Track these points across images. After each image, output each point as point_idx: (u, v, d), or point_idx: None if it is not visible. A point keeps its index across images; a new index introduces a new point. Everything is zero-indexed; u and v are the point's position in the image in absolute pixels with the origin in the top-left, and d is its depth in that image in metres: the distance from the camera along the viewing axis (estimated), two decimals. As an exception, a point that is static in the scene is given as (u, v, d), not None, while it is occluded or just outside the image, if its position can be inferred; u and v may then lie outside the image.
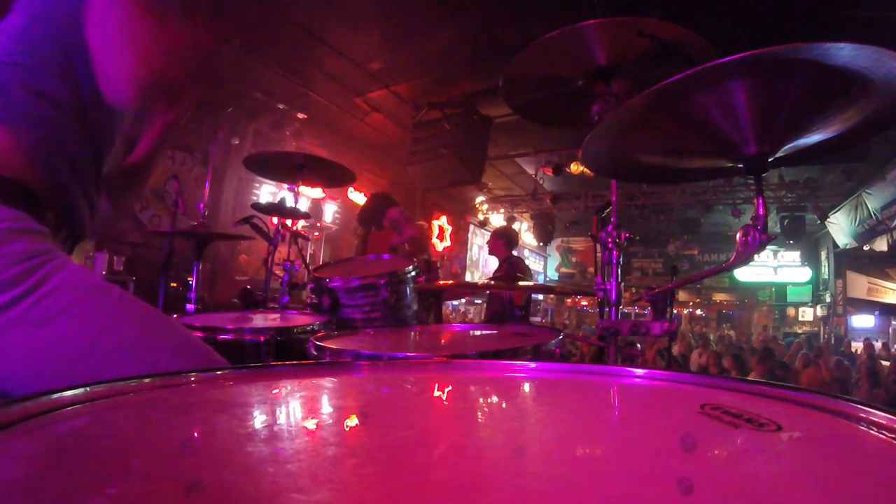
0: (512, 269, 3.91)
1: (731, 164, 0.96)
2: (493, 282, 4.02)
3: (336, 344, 1.09)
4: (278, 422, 0.49)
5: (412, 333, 1.46)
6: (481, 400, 0.62)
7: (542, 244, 13.27)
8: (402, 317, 1.60)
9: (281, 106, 6.65)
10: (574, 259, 15.52)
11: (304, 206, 4.14)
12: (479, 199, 11.23)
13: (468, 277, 10.16)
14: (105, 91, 0.95)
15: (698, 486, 0.32)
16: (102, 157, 1.06)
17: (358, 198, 8.35)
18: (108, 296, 0.90)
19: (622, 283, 1.42)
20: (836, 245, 11.15)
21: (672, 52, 1.28)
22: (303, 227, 4.89)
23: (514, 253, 4.24)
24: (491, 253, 4.04)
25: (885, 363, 7.27)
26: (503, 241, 4.10)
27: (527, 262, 4.48)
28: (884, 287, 12.31)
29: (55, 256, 0.87)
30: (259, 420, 0.48)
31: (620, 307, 1.42)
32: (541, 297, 13.93)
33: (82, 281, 0.89)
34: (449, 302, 8.78)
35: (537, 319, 12.51)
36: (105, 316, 0.86)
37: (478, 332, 1.41)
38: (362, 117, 7.26)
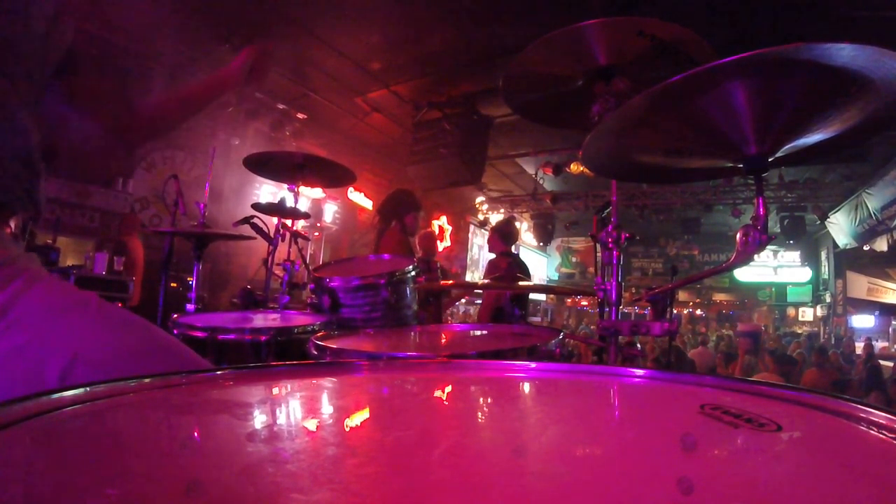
0: (511, 268, 3.90)
1: (731, 164, 0.96)
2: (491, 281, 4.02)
3: (336, 344, 1.09)
4: (278, 422, 0.49)
5: (412, 333, 1.46)
6: (481, 400, 0.62)
7: (542, 244, 13.26)
8: (402, 317, 1.60)
9: (281, 106, 6.65)
10: (574, 259, 15.51)
11: (304, 206, 4.13)
12: (479, 199, 11.23)
13: (468, 277, 10.15)
14: None
15: (698, 486, 0.32)
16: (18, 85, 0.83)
17: (358, 198, 8.37)
18: (83, 314, 0.80)
19: (622, 283, 1.43)
20: (836, 245, 11.14)
21: (672, 52, 1.28)
22: (303, 227, 4.89)
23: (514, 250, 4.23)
24: (491, 250, 4.04)
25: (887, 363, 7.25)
26: (498, 236, 4.11)
27: (527, 261, 4.47)
28: (884, 287, 12.31)
29: (23, 270, 0.77)
30: (259, 420, 0.48)
31: (620, 307, 1.42)
32: (543, 297, 13.94)
33: (55, 301, 0.79)
34: (458, 304, 8.81)
35: (537, 319, 12.50)
36: (78, 341, 0.77)
37: (478, 332, 1.41)
38: (362, 117, 7.26)
